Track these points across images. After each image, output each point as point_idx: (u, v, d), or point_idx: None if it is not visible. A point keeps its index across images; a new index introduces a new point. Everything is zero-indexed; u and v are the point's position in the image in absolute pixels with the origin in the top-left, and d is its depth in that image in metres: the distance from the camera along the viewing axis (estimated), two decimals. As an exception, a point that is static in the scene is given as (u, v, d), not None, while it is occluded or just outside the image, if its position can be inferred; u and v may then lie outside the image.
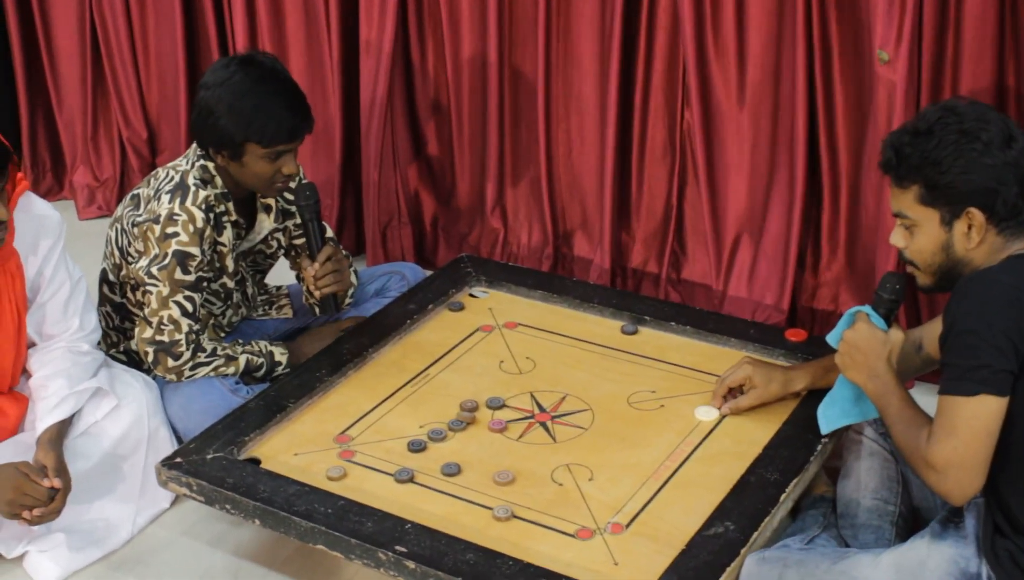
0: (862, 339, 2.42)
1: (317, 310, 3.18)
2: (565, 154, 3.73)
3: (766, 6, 3.24)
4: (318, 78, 3.95)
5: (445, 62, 3.78)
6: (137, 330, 2.96)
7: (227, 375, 2.99)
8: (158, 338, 2.92)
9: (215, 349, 2.98)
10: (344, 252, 3.25)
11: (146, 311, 2.93)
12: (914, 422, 2.30)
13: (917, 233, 2.33)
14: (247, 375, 3.03)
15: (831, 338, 2.53)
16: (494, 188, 3.86)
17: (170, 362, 2.93)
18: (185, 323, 2.92)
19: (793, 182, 3.34)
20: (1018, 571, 2.20)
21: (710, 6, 3.30)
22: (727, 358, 3.01)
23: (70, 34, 4.38)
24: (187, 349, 2.93)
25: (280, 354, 3.07)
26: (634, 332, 3.16)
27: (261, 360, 3.04)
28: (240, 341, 3.07)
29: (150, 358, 2.94)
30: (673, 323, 3.16)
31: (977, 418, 2.16)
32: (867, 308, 2.48)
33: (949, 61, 3.03)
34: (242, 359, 3.01)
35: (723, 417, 2.79)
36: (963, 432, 2.17)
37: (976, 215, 2.26)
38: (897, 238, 2.38)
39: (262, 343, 3.08)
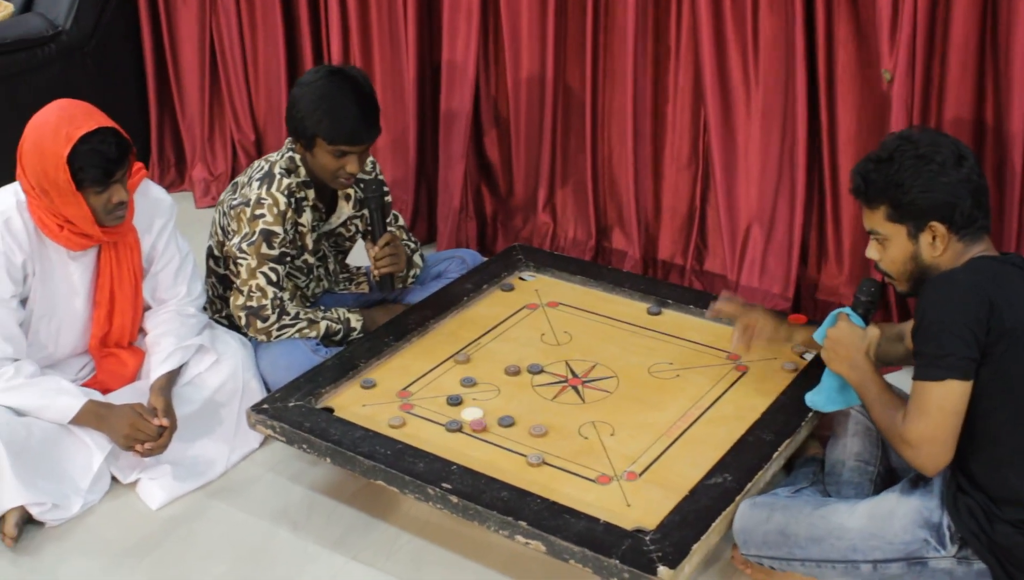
0: (844, 336, 2.42)
1: (380, 287, 3.22)
2: (606, 161, 3.74)
3: (775, 34, 3.24)
4: (398, 91, 4.00)
5: (506, 80, 3.81)
6: (232, 298, 3.03)
7: (309, 337, 3.05)
8: (248, 304, 2.98)
9: (298, 313, 3.03)
10: (413, 240, 3.30)
11: (238, 282, 2.99)
12: (891, 405, 2.30)
13: (889, 246, 2.33)
14: (327, 339, 3.08)
15: (817, 336, 2.52)
16: (545, 189, 3.88)
17: (259, 324, 2.99)
18: (271, 291, 2.97)
19: (795, 189, 3.33)
20: (974, 520, 2.20)
21: (731, 34, 3.31)
22: (737, 337, 3.03)
23: (192, 52, 4.47)
24: (273, 313, 2.98)
25: (356, 321, 3.12)
26: (658, 313, 3.17)
27: (339, 326, 3.09)
28: (322, 308, 3.12)
29: (242, 321, 3.01)
30: (692, 306, 3.16)
31: (946, 399, 2.16)
32: (847, 309, 2.49)
33: (936, 85, 3.02)
34: (322, 324, 3.06)
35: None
36: (934, 412, 2.17)
37: (938, 227, 2.26)
38: (872, 252, 2.38)
39: (341, 310, 3.13)
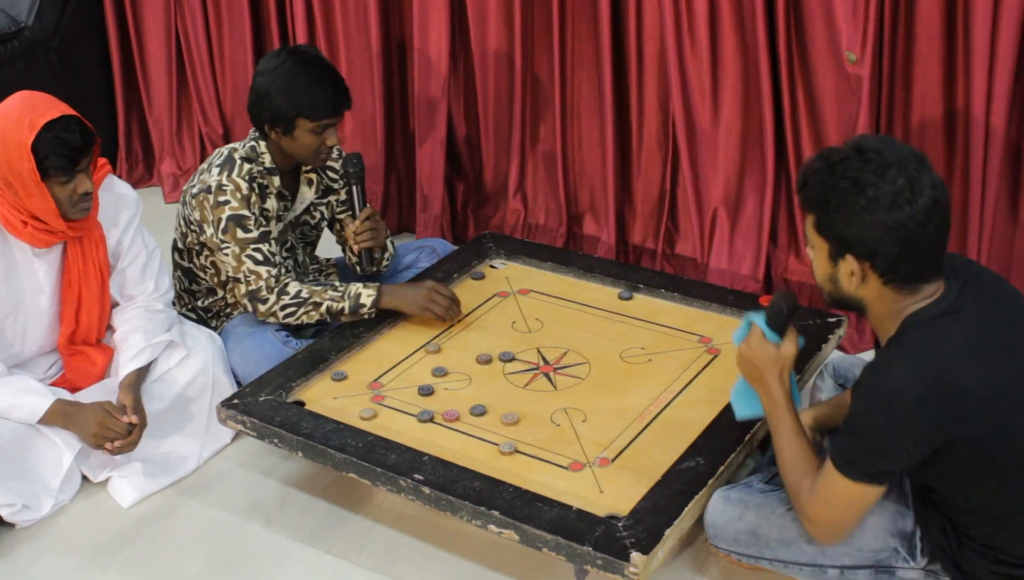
0: (755, 355, 2.24)
1: (358, 269, 3.17)
2: (576, 147, 3.71)
3: (735, 15, 3.22)
4: (365, 78, 3.95)
5: (475, 68, 3.78)
6: (236, 291, 2.95)
7: (314, 320, 2.94)
8: (249, 289, 2.91)
9: (299, 292, 2.92)
10: (384, 227, 3.26)
11: (232, 273, 2.92)
12: (801, 462, 2.16)
13: (814, 256, 2.10)
14: (333, 316, 2.94)
15: (735, 339, 2.33)
16: (516, 176, 3.85)
17: (261, 307, 2.91)
18: (263, 270, 2.90)
19: (764, 171, 3.31)
20: (943, 537, 2.14)
21: (686, 18, 3.28)
22: (709, 320, 3.01)
23: (159, 46, 4.41)
24: (271, 293, 2.90)
25: (367, 296, 2.92)
26: (629, 298, 3.15)
27: (342, 304, 2.91)
28: (333, 285, 2.96)
29: (249, 309, 2.94)
30: (663, 290, 3.14)
31: (856, 498, 2.06)
32: (761, 320, 2.27)
33: (902, 66, 3.00)
34: (324, 306, 2.91)
35: None
36: (840, 504, 2.08)
37: (853, 262, 2.01)
38: (809, 250, 2.13)
39: (353, 287, 2.94)
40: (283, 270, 2.94)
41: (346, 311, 2.93)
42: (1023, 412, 2.00)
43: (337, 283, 2.97)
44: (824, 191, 2.01)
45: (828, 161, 2.03)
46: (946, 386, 1.95)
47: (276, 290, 2.91)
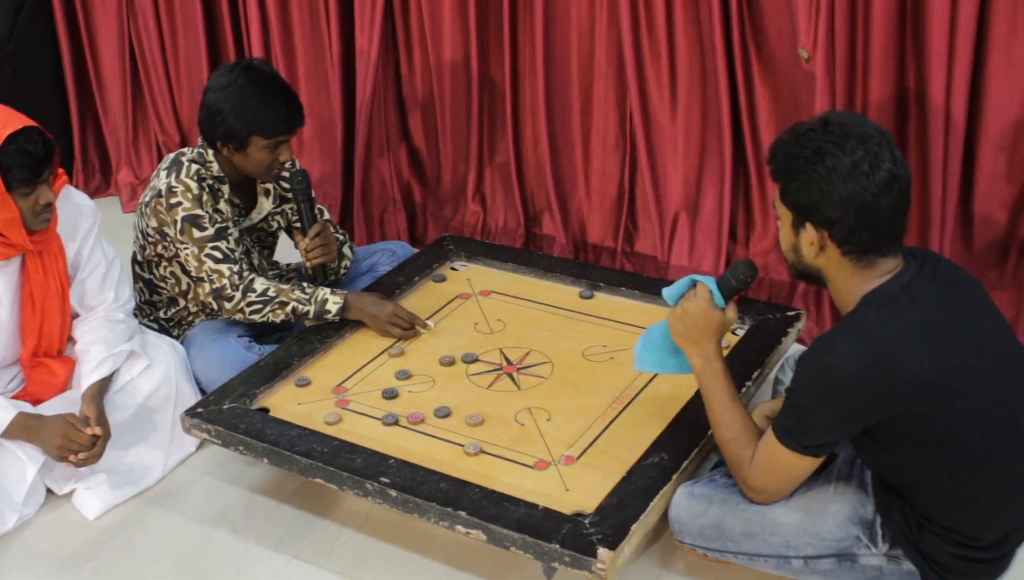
0: (699, 314, 2.27)
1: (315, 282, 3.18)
2: (532, 148, 3.73)
3: (690, 15, 3.24)
4: (322, 83, 3.96)
5: (430, 72, 3.78)
6: (200, 290, 2.95)
7: (280, 318, 2.93)
8: (213, 288, 2.91)
9: (266, 290, 2.92)
10: (341, 232, 3.26)
11: (193, 274, 2.93)
12: (742, 434, 2.23)
13: (780, 226, 2.17)
14: (298, 318, 2.95)
15: (667, 294, 2.35)
16: (474, 179, 3.86)
17: (227, 305, 2.92)
18: (224, 268, 2.91)
19: (723, 168, 3.34)
20: (904, 522, 2.17)
21: (644, 16, 3.30)
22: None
23: (113, 55, 4.39)
24: (236, 290, 2.90)
25: (333, 304, 2.93)
26: (590, 297, 3.17)
27: (307, 308, 2.92)
28: (302, 286, 2.97)
29: (215, 307, 2.94)
30: (623, 288, 3.16)
31: (795, 467, 2.15)
32: (711, 282, 2.29)
33: (860, 60, 3.03)
34: (290, 306, 2.92)
35: None
36: (780, 474, 2.18)
37: (812, 231, 2.08)
38: (777, 223, 2.20)
39: (321, 290, 2.95)
40: (244, 266, 2.95)
41: (311, 315, 2.94)
42: (972, 395, 2.04)
43: (305, 285, 2.98)
44: (788, 160, 2.08)
45: (795, 132, 2.11)
46: (887, 365, 1.99)
47: (241, 287, 2.91)
